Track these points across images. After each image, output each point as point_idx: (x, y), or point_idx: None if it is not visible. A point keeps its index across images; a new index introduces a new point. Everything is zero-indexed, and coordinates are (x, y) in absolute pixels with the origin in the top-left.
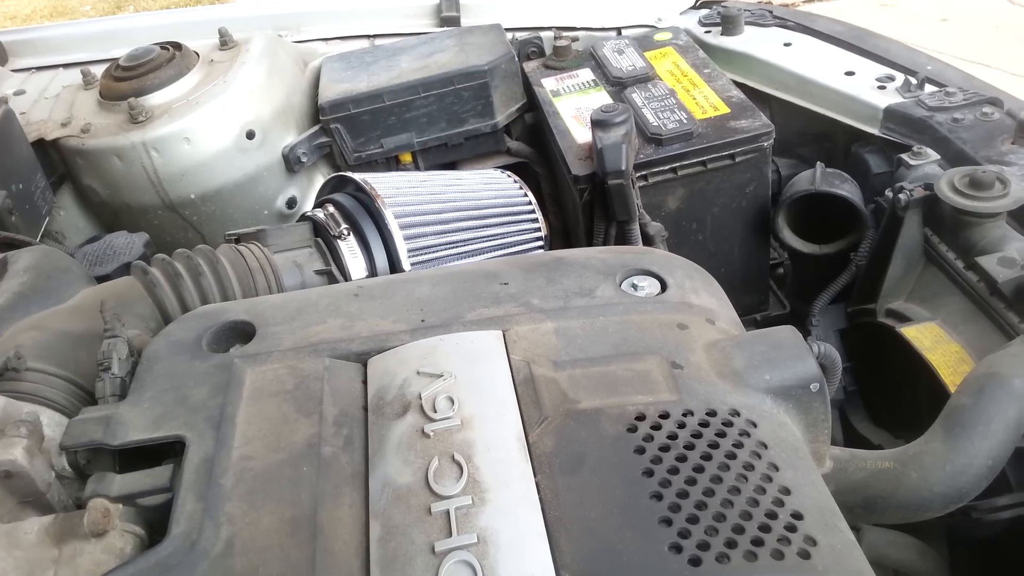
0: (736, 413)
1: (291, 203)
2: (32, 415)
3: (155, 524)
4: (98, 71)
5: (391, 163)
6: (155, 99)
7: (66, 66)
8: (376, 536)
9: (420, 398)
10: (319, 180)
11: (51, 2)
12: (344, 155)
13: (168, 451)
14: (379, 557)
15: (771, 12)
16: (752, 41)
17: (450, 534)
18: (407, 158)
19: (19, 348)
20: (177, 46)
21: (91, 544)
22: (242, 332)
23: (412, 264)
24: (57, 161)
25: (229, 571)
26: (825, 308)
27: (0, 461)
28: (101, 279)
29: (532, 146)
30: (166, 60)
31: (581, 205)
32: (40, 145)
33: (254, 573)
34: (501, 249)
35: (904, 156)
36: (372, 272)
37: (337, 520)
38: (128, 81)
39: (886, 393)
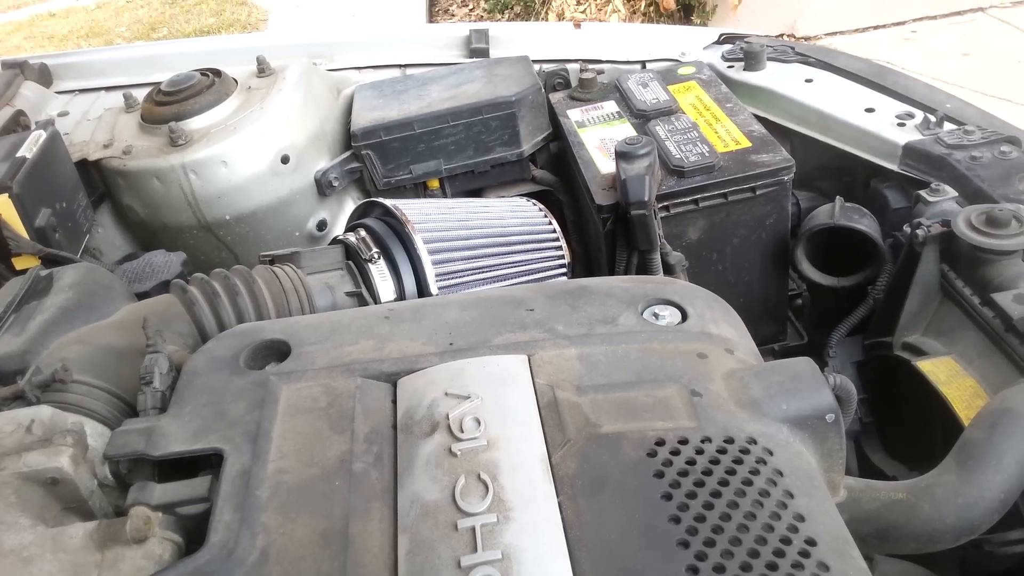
0: (753, 441)
1: (321, 226)
2: (77, 425)
3: (192, 533)
4: (139, 95)
5: (419, 189)
6: (195, 123)
7: (108, 89)
8: (404, 550)
9: (448, 418)
10: (349, 204)
11: (87, 23)
12: (374, 180)
13: (204, 463)
14: (407, 570)
15: (793, 48)
16: (774, 77)
17: (475, 550)
18: (435, 184)
19: (65, 361)
20: (217, 72)
21: (132, 550)
22: (278, 351)
23: (439, 288)
24: (97, 180)
25: None
26: (842, 340)
27: (47, 468)
28: (140, 296)
29: (556, 174)
30: (206, 86)
31: (604, 234)
32: (82, 165)
33: None
34: (525, 275)
35: (922, 192)
36: (400, 295)
37: (367, 534)
38: (169, 105)
39: (901, 425)
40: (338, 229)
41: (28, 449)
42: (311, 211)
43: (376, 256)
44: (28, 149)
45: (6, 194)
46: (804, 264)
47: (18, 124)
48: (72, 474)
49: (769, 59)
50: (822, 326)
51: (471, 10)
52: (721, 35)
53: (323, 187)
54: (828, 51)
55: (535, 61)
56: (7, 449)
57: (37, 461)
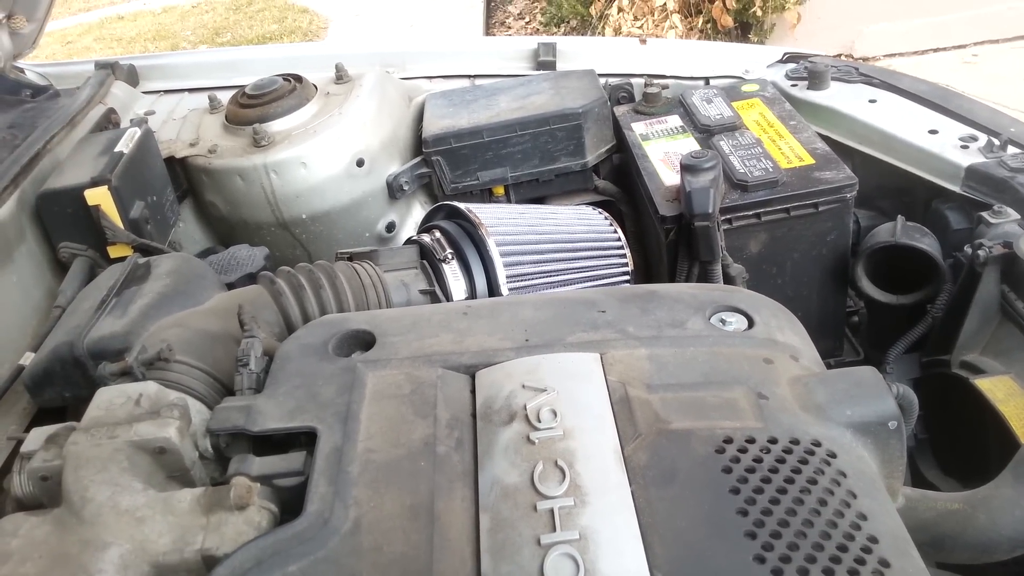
0: (817, 443)
1: (390, 227)
2: (181, 400)
3: (286, 504)
4: (222, 97)
5: (485, 195)
6: (276, 126)
7: (191, 91)
8: (486, 527)
9: (525, 409)
10: (417, 208)
11: (154, 27)
12: (442, 185)
13: (294, 442)
14: (489, 545)
15: (857, 69)
16: (838, 96)
17: (554, 529)
18: (500, 191)
19: (166, 342)
20: (298, 78)
21: (234, 516)
22: (363, 340)
23: (509, 290)
24: (182, 177)
25: (357, 546)
26: (900, 357)
27: (157, 438)
28: (227, 286)
29: (618, 186)
30: (288, 91)
31: (666, 244)
32: (168, 162)
33: (379, 550)
34: (590, 281)
35: (984, 214)
36: (472, 295)
37: (451, 510)
38: (253, 108)
39: (956, 442)
40: (406, 231)
41: (137, 420)
42: (381, 213)
43: (450, 256)
44: (125, 145)
45: (105, 186)
46: (864, 281)
47: (109, 121)
48: (178, 444)
49: (833, 79)
50: (879, 343)
51: (527, 23)
52: (785, 54)
53: (394, 190)
54: (892, 73)
55: (600, 75)
56: (118, 419)
57: (147, 431)
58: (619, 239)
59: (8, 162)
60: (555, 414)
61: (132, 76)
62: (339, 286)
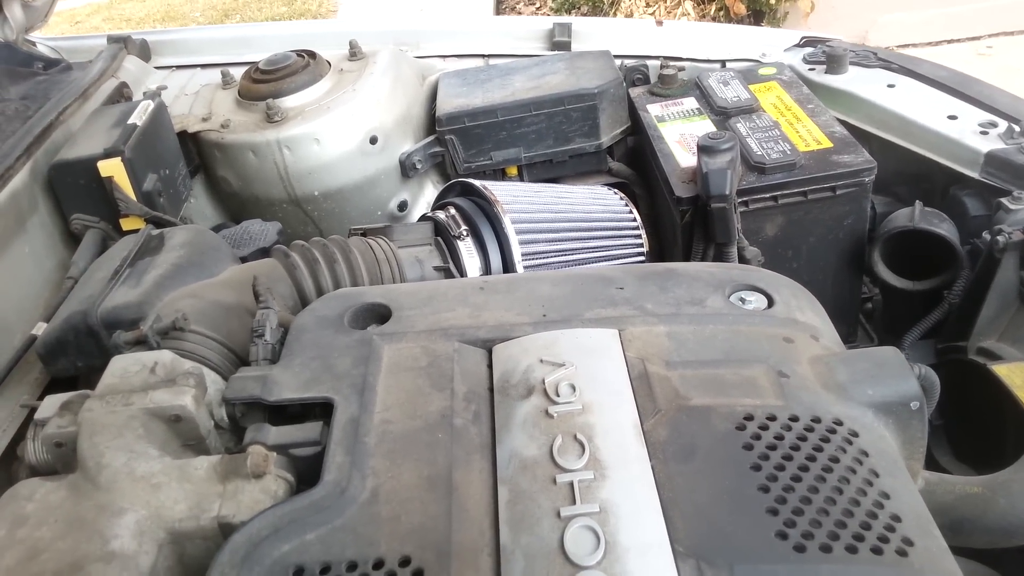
0: (839, 422)
1: (402, 206)
2: (197, 369)
3: (302, 474)
4: (234, 72)
5: (497, 175)
6: (290, 101)
7: (203, 66)
8: (504, 499)
9: (544, 383)
10: (429, 187)
11: (163, 8)
12: (455, 165)
13: (308, 414)
14: (508, 517)
15: (875, 54)
16: (856, 81)
17: (574, 502)
18: (513, 171)
19: (182, 312)
20: (312, 54)
21: (251, 484)
22: (379, 313)
23: (524, 268)
24: (194, 152)
25: (375, 516)
26: (915, 343)
27: (173, 406)
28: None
29: (632, 168)
30: (301, 67)
31: (681, 226)
32: (180, 137)
33: (397, 520)
34: (605, 261)
35: (1004, 200)
36: (487, 272)
37: (469, 482)
38: (266, 84)
39: (971, 429)
40: (418, 210)
41: (153, 388)
42: (394, 191)
43: (464, 233)
44: (138, 117)
45: (119, 158)
46: (880, 266)
47: (122, 95)
48: (194, 412)
49: (851, 63)
50: (894, 330)
51: (538, 8)
52: (803, 38)
53: (406, 169)
54: (911, 58)
55: (616, 56)
56: (134, 386)
57: (163, 399)
58: (635, 220)
59: (21, 133)
60: (574, 389)
61: (144, 51)
62: (353, 261)
